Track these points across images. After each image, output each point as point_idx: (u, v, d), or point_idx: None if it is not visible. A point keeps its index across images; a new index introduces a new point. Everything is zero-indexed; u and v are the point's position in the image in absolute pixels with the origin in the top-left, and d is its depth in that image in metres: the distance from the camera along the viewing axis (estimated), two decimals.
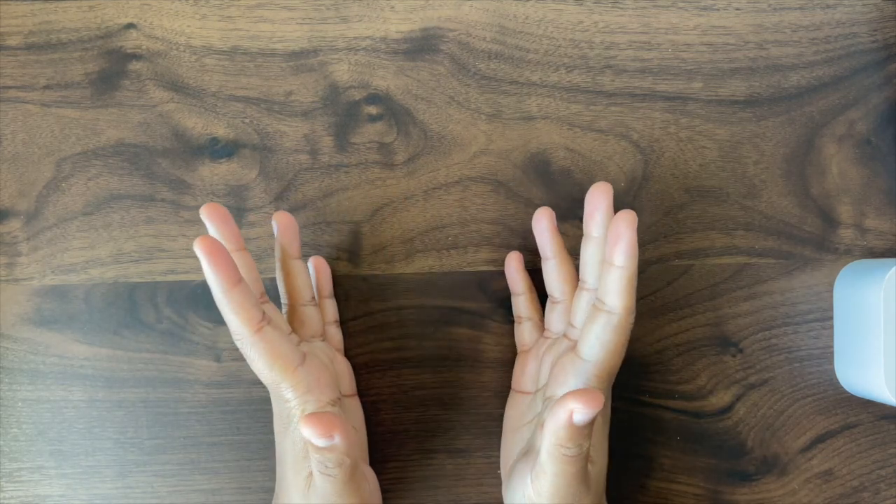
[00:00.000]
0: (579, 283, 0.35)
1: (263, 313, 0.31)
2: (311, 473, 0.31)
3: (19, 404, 0.39)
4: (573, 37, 0.40)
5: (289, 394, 0.31)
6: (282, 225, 0.36)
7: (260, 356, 0.31)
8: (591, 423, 0.28)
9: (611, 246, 0.31)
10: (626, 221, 0.31)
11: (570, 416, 0.27)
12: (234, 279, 0.30)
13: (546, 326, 0.38)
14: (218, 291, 0.30)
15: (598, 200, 0.34)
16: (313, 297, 0.36)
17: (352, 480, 0.30)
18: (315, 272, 0.38)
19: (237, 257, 0.33)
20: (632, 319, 0.32)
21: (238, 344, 0.31)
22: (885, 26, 0.41)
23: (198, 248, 0.30)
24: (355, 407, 0.36)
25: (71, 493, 0.39)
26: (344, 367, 0.37)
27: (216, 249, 0.30)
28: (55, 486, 0.39)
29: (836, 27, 0.41)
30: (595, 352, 0.32)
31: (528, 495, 0.31)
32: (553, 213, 0.37)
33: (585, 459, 0.30)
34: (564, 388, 0.33)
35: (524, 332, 0.38)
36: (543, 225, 0.37)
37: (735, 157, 0.40)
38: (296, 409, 0.32)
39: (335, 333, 0.38)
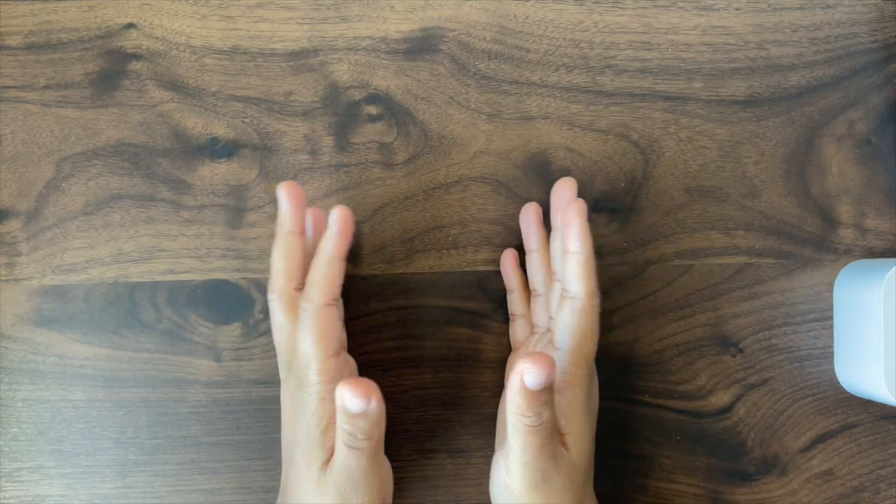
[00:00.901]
0: (552, 275, 0.36)
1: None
2: (326, 461, 0.31)
3: (19, 404, 0.39)
4: (573, 37, 0.40)
5: (315, 377, 0.31)
6: (321, 217, 0.36)
7: (314, 329, 0.31)
8: (547, 390, 0.28)
9: (564, 233, 0.33)
10: (575, 209, 0.32)
11: (523, 380, 0.28)
12: (343, 252, 0.32)
13: (533, 321, 0.38)
14: (331, 251, 0.31)
15: (562, 195, 0.35)
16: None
17: (376, 457, 0.31)
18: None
19: (302, 242, 0.34)
20: (596, 303, 0.32)
21: (302, 309, 0.32)
22: (885, 26, 0.41)
23: (334, 215, 0.31)
24: None
25: (71, 493, 0.39)
26: (353, 367, 0.37)
27: (345, 217, 0.31)
28: (55, 486, 0.39)
29: (836, 27, 0.41)
30: (566, 339, 0.32)
31: (502, 476, 0.31)
32: (540, 209, 0.38)
33: (549, 431, 0.30)
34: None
35: (517, 329, 0.39)
36: (530, 218, 0.38)
37: (735, 157, 0.40)
38: (314, 396, 0.31)
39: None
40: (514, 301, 0.39)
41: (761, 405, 0.40)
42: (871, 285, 0.37)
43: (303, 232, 0.34)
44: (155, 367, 0.39)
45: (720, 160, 0.40)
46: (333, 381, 0.32)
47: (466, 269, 0.40)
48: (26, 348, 0.39)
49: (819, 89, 0.41)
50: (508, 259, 0.39)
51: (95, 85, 0.39)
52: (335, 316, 0.32)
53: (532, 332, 0.38)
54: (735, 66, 0.40)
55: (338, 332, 0.32)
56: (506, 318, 0.40)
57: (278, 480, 0.35)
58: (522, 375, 0.28)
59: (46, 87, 0.39)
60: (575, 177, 0.40)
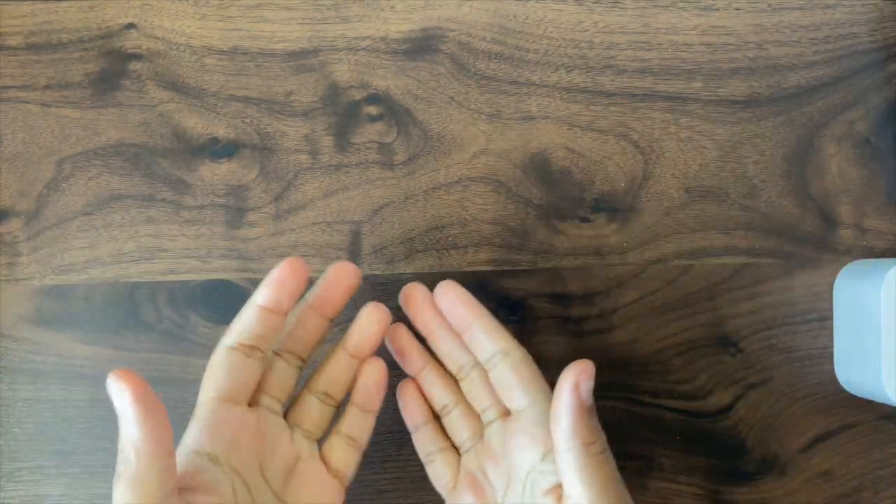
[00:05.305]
0: (458, 372, 0.35)
1: None
2: None
3: (19, 404, 0.39)
4: (573, 37, 0.40)
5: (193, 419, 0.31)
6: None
7: (209, 364, 0.31)
8: (594, 410, 0.26)
9: (448, 315, 0.33)
10: (451, 289, 0.33)
11: (580, 394, 0.24)
12: (271, 303, 0.31)
13: (456, 442, 0.35)
14: (255, 295, 0.31)
15: (417, 299, 0.35)
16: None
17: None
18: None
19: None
20: (524, 352, 0.32)
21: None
22: (885, 26, 0.41)
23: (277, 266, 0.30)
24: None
25: (71, 493, 0.39)
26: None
27: (287, 269, 0.30)
28: (55, 486, 0.39)
29: (836, 27, 0.41)
30: (521, 396, 0.31)
31: None
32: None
33: (610, 456, 0.27)
34: (527, 451, 0.31)
35: (440, 467, 0.35)
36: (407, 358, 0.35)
37: (735, 157, 0.40)
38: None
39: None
40: (425, 438, 0.35)
41: (761, 405, 0.40)
42: (871, 285, 0.37)
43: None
44: (155, 367, 0.39)
45: (720, 160, 0.40)
46: (210, 427, 0.30)
47: (466, 269, 0.40)
48: (26, 348, 0.39)
49: (819, 89, 0.41)
50: (408, 390, 0.36)
51: (95, 85, 0.39)
52: (239, 361, 0.30)
53: (461, 463, 0.34)
54: (735, 66, 0.40)
55: (239, 379, 0.30)
56: (507, 319, 0.40)
57: None
58: (579, 387, 0.24)
59: (47, 87, 0.39)
60: (575, 177, 0.40)
